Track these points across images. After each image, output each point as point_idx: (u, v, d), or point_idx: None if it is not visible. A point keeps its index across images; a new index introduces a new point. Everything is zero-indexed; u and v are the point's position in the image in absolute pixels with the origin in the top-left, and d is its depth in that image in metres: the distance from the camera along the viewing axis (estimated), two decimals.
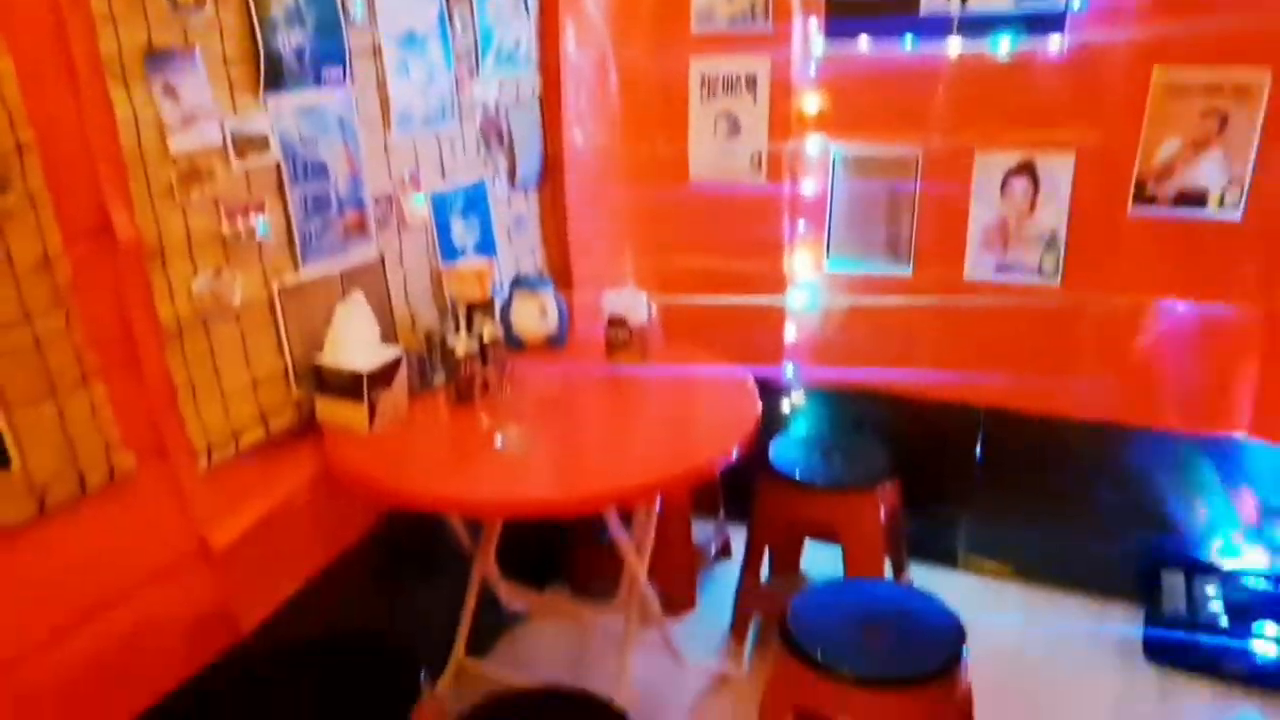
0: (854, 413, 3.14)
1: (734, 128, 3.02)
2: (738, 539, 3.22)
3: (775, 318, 3.10)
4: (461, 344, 2.26)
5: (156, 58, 1.78)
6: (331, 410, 2.16)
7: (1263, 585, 2.85)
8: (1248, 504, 2.81)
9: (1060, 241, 2.69)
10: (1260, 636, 2.70)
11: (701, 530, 3.25)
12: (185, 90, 1.84)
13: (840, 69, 2.84)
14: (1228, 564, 2.91)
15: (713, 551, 3.33)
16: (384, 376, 2.15)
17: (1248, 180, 2.42)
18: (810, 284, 3.06)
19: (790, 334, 3.10)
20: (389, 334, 2.37)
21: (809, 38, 2.84)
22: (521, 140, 2.83)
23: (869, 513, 2.66)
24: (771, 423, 3.01)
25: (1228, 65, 2.36)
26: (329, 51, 2.14)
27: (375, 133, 2.31)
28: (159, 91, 1.79)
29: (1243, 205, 2.45)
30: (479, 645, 2.83)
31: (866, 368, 3.02)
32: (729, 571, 3.20)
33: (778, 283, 3.08)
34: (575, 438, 2.19)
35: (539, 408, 2.24)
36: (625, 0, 2.99)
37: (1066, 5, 2.50)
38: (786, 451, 2.85)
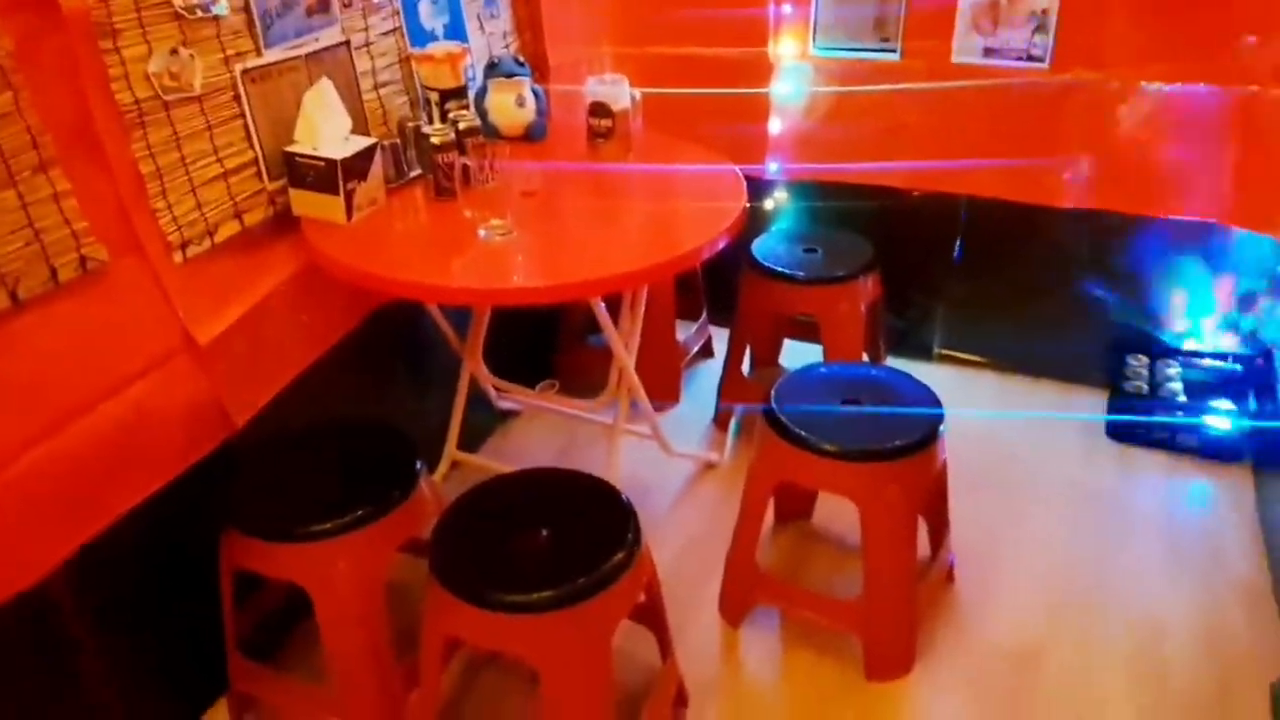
0: (838, 207, 3.11)
1: None
2: (720, 341, 3.26)
3: (759, 109, 3.01)
4: (437, 133, 2.18)
5: None
6: (307, 202, 2.10)
7: (1224, 366, 2.95)
8: (1223, 290, 2.87)
9: (1051, 21, 2.59)
10: (1215, 412, 2.81)
11: (685, 331, 3.28)
12: None
13: None
14: (1192, 347, 3.00)
15: (695, 349, 3.38)
16: (359, 165, 2.08)
17: None
18: (796, 70, 2.95)
19: (775, 126, 3.02)
20: (360, 124, 2.27)
21: None
22: None
23: (849, 304, 2.69)
24: (755, 218, 2.99)
25: None
26: None
27: None
28: None
29: None
30: (470, 442, 2.90)
31: (851, 162, 2.97)
32: (712, 369, 3.27)
33: (762, 71, 2.97)
34: (559, 229, 2.15)
35: (521, 199, 2.19)
36: None
37: None
38: (769, 246, 2.84)
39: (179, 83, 1.85)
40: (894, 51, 2.81)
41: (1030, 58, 2.65)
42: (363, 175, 2.11)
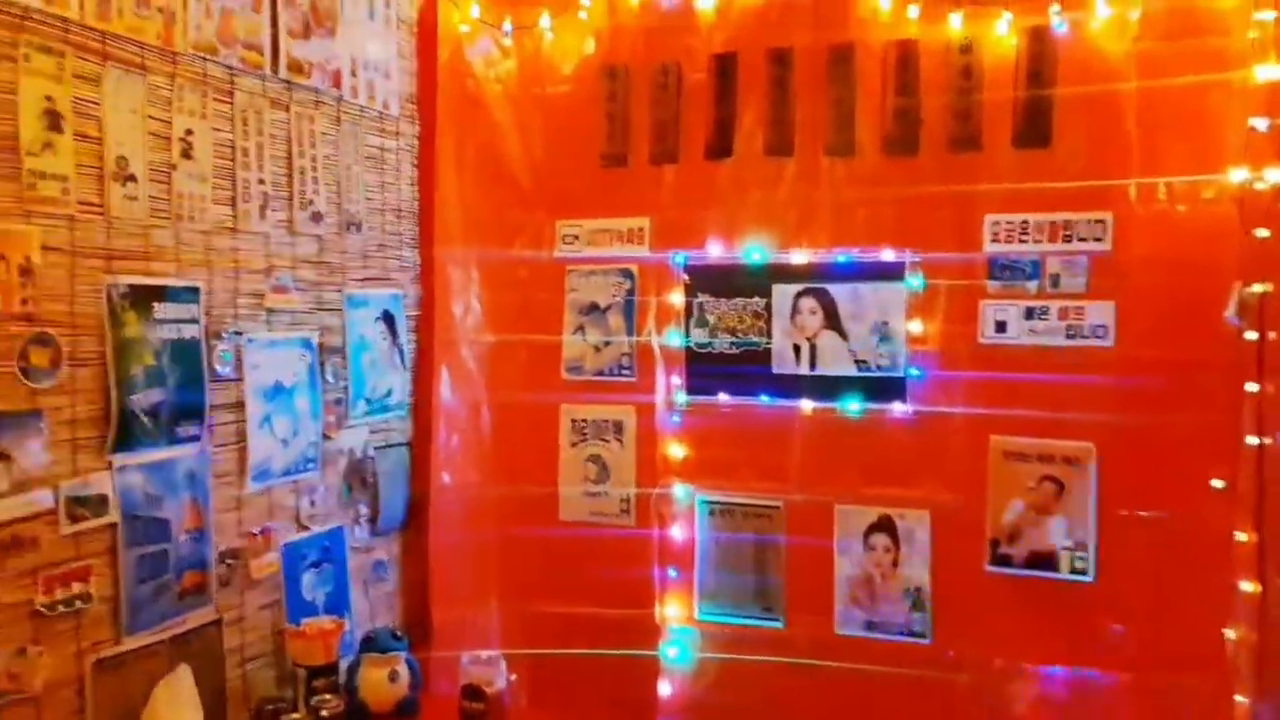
0: None
1: (603, 471, 3.06)
2: None
3: (648, 672, 2.97)
4: None
5: None
6: None
7: None
8: None
9: (926, 599, 2.73)
10: None
11: None
12: (21, 455, 1.74)
13: (702, 420, 2.96)
14: None
15: None
16: None
17: (1092, 544, 2.55)
18: (682, 633, 2.98)
19: (664, 690, 2.96)
20: (218, 706, 2.13)
21: (672, 389, 2.98)
22: (387, 484, 2.77)
23: None
24: None
25: (1058, 438, 2.57)
26: (187, 408, 2.09)
27: (229, 486, 2.22)
28: None
29: (1092, 568, 2.56)
30: None
31: None
32: None
33: (650, 632, 2.99)
34: None
35: None
36: (500, 349, 3.09)
37: (905, 372, 2.72)
38: None
39: (17, 684, 1.72)
40: (778, 619, 2.88)
41: (912, 633, 2.74)
42: None
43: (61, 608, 1.81)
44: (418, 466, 2.89)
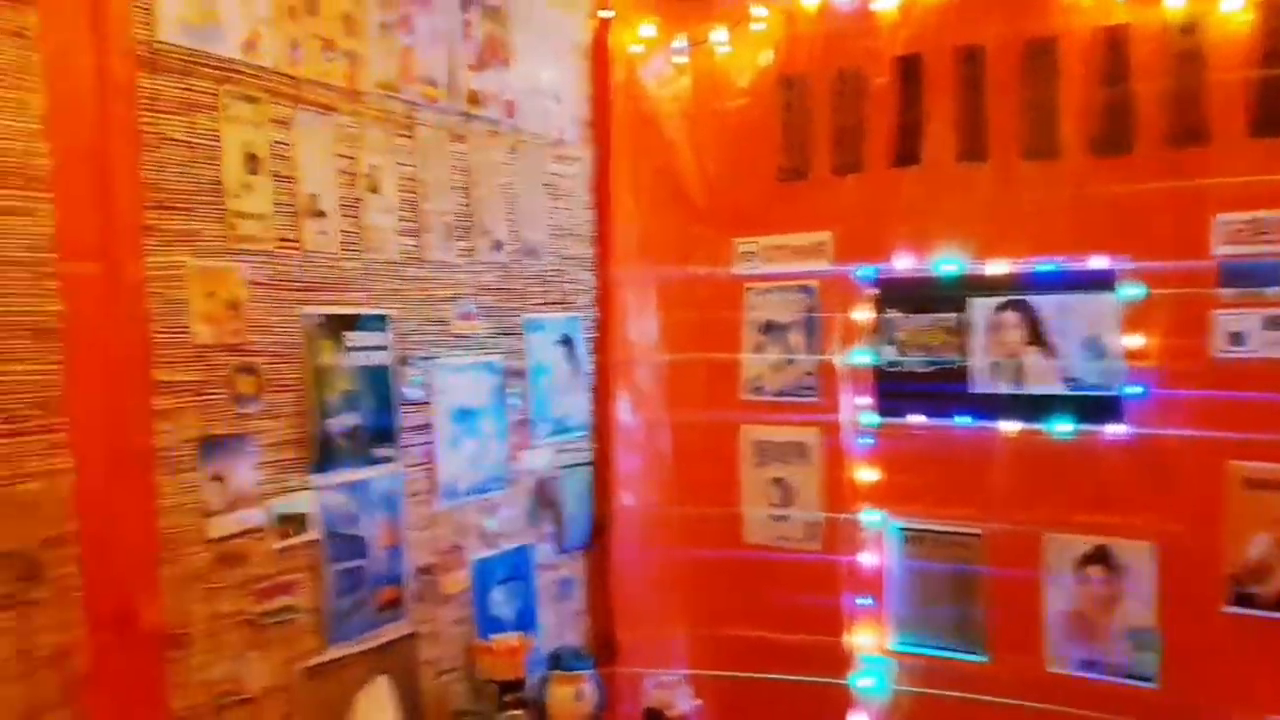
0: None
1: (788, 495, 2.97)
2: None
3: (838, 702, 2.84)
4: None
5: (211, 446, 1.82)
6: None
7: None
8: None
9: (1153, 639, 2.45)
10: None
11: None
12: (233, 475, 1.87)
13: (893, 442, 2.81)
14: None
15: None
16: None
17: None
18: (875, 664, 2.83)
19: None
20: (414, 718, 2.20)
21: (858, 410, 2.84)
22: (571, 504, 2.81)
23: None
24: None
25: None
26: (381, 430, 2.19)
27: (421, 504, 2.31)
28: (206, 478, 1.82)
29: None
30: None
31: None
32: None
33: (839, 661, 2.86)
34: None
35: None
36: (678, 369, 3.07)
37: (1122, 391, 2.46)
38: None
39: (237, 687, 1.85)
40: (981, 653, 2.67)
41: (1135, 675, 2.47)
42: None
43: (272, 618, 1.93)
44: (600, 487, 2.91)
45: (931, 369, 2.74)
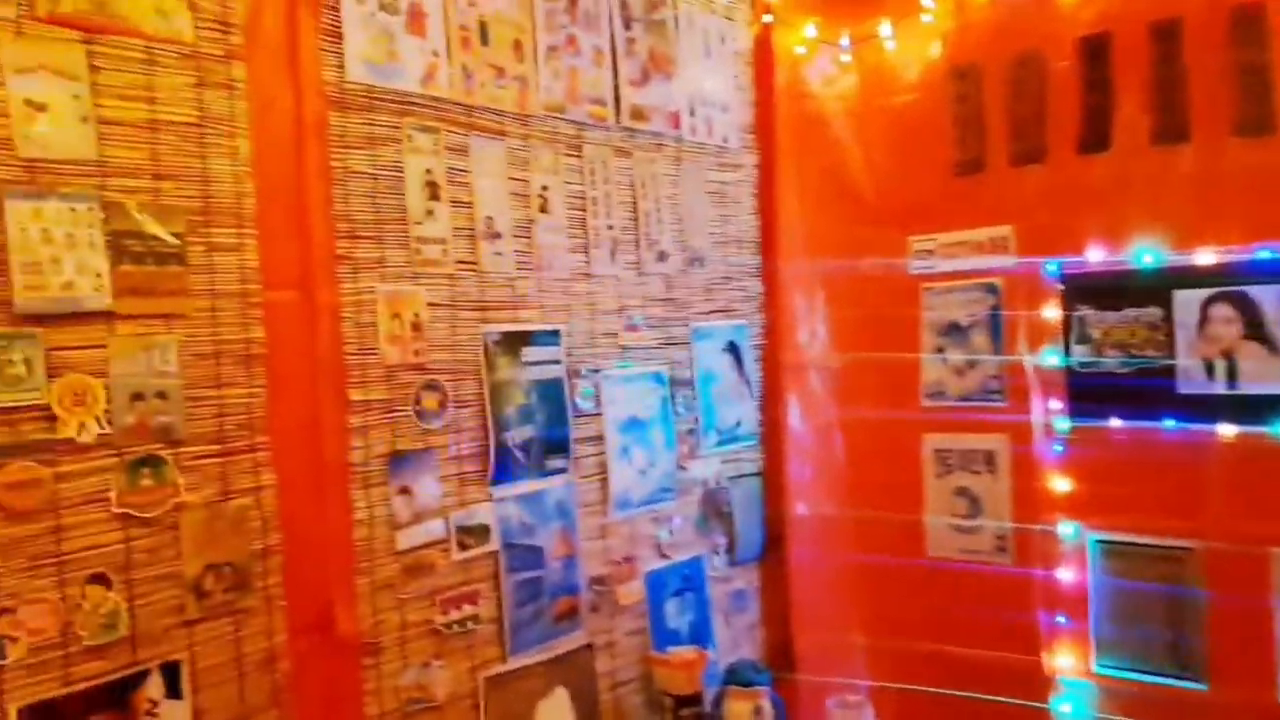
0: None
1: (974, 505, 2.82)
2: None
3: None
4: None
5: (398, 461, 1.91)
6: None
7: None
8: None
9: None
10: None
11: None
12: (419, 489, 1.95)
13: (1089, 449, 2.61)
14: None
15: None
16: None
17: None
18: (1077, 688, 2.63)
19: None
20: None
21: (1051, 415, 2.66)
22: (742, 514, 2.77)
23: None
24: None
25: None
26: (554, 442, 2.23)
27: (594, 515, 2.33)
28: (395, 492, 1.90)
29: None
30: None
31: None
32: None
33: (1035, 682, 2.68)
34: None
35: None
36: (851, 373, 2.98)
37: None
38: None
39: (425, 694, 1.92)
40: (1200, 681, 2.44)
41: None
42: None
43: (456, 627, 2.00)
44: (771, 496, 2.86)
45: (1131, 369, 2.54)
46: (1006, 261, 2.72)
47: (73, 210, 1.46)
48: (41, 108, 1.43)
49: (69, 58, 1.46)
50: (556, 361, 2.24)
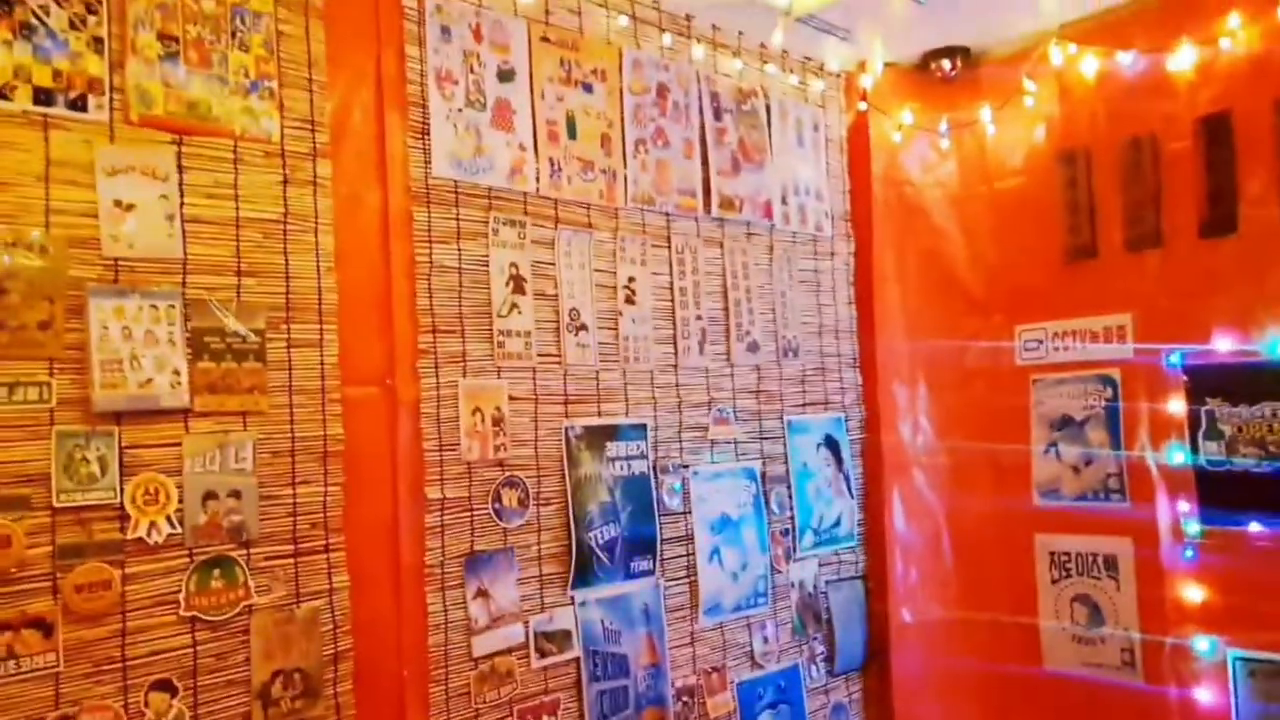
0: None
1: (1095, 613, 2.58)
2: None
3: None
4: None
5: (476, 561, 1.84)
6: None
7: None
8: None
9: None
10: None
11: None
12: (497, 591, 1.87)
13: (1225, 555, 2.37)
14: None
15: None
16: None
17: None
18: None
19: None
20: None
21: (1179, 517, 2.44)
22: (842, 620, 2.60)
23: None
24: None
25: None
26: (640, 542, 2.13)
27: (682, 620, 2.22)
28: (472, 594, 1.83)
29: None
30: None
31: None
32: None
33: None
34: None
35: None
36: (958, 470, 2.81)
37: None
38: None
39: None
40: None
41: None
42: None
43: None
44: (874, 601, 2.69)
45: (1269, 468, 2.31)
46: (1124, 351, 2.54)
47: (154, 308, 1.47)
48: (129, 208, 1.45)
49: (159, 158, 1.49)
50: (642, 456, 2.16)
